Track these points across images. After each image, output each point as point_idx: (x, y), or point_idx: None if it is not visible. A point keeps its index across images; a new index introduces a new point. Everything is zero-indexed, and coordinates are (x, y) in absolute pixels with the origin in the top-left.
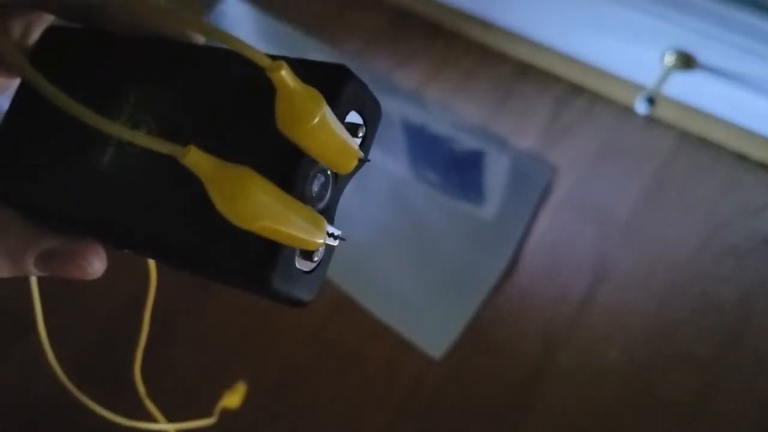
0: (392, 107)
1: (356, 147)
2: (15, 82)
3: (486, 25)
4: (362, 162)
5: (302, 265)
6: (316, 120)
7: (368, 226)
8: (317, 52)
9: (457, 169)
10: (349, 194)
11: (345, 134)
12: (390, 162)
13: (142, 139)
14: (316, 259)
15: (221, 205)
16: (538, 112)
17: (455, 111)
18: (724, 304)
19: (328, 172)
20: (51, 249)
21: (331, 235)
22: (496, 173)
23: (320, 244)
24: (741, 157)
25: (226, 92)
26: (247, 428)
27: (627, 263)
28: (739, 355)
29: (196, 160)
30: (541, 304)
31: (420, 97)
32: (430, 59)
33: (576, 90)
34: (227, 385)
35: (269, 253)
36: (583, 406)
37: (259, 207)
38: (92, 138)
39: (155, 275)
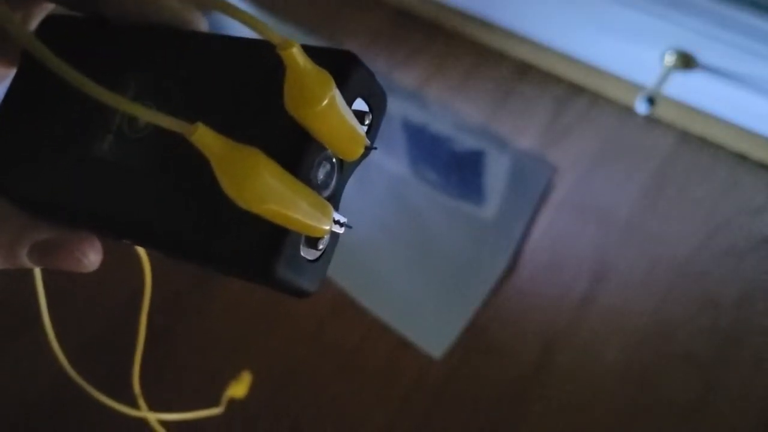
0: (392, 107)
1: (363, 133)
2: (9, 73)
3: (486, 25)
4: (368, 150)
5: (307, 253)
6: (326, 101)
7: (368, 226)
8: None
9: (457, 168)
10: (349, 194)
11: (353, 119)
12: (390, 162)
13: (149, 114)
14: (321, 247)
15: (228, 186)
16: (538, 112)
17: (455, 111)
18: (724, 304)
19: (334, 160)
20: (45, 241)
21: (337, 222)
22: (496, 173)
23: (326, 231)
24: (741, 157)
25: (230, 77)
26: (251, 420)
27: (627, 263)
28: (739, 355)
29: (205, 137)
30: (541, 304)
31: (420, 97)
32: (430, 59)
33: (576, 90)
34: (230, 378)
35: (274, 240)
36: (583, 406)
37: (267, 189)
38: (91, 126)
39: (150, 279)
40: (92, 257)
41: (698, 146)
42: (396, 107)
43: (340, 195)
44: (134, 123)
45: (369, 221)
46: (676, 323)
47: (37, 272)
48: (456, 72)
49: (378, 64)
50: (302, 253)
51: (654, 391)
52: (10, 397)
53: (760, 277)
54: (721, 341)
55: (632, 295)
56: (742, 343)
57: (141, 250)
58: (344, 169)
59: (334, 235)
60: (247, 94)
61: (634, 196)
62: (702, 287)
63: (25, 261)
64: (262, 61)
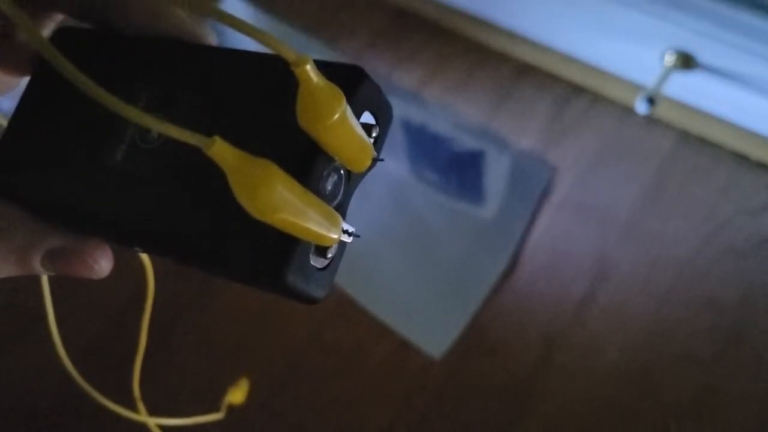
0: (392, 107)
1: (371, 145)
2: (19, 83)
3: (486, 25)
4: (375, 161)
5: (316, 261)
6: (337, 116)
7: (368, 227)
8: (317, 52)
9: (457, 169)
10: None
11: (362, 132)
12: (390, 162)
13: (167, 128)
14: (329, 255)
15: (242, 196)
16: (538, 112)
17: (455, 111)
18: (724, 304)
19: (341, 171)
20: (58, 248)
21: (345, 231)
22: (496, 173)
23: (335, 240)
24: (741, 157)
25: (239, 89)
26: (251, 424)
27: (627, 263)
28: (739, 355)
29: (221, 150)
30: (541, 304)
31: (420, 97)
32: (430, 59)
33: (576, 90)
34: (230, 382)
35: (284, 248)
36: (583, 406)
37: (279, 200)
38: (104, 136)
39: (152, 285)
40: (104, 264)
41: (698, 146)
42: (396, 108)
43: (348, 205)
44: (146, 134)
45: (369, 222)
46: (677, 323)
47: (44, 276)
48: (456, 72)
49: (378, 64)
50: (312, 262)
51: (654, 391)
52: (13, 398)
53: (760, 277)
54: (721, 341)
55: (632, 295)
56: (743, 343)
57: (144, 257)
58: (351, 179)
59: (342, 244)
60: (257, 106)
61: (634, 196)
62: (702, 287)
63: (38, 268)
64: (271, 74)
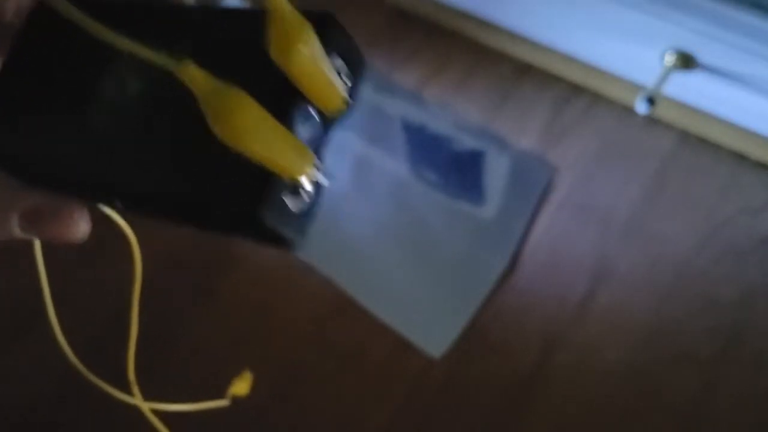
0: (392, 107)
1: (341, 86)
2: None
3: (486, 25)
4: (348, 107)
5: (291, 202)
6: (305, 43)
7: (367, 226)
8: None
9: (457, 169)
10: (348, 193)
11: (331, 71)
12: (389, 162)
13: (143, 50)
14: (304, 197)
15: (214, 121)
16: (538, 112)
17: (455, 111)
18: (724, 304)
19: (316, 117)
20: (35, 208)
21: (318, 171)
22: (496, 173)
23: (307, 173)
24: (741, 157)
25: (217, 41)
26: (251, 423)
27: (627, 263)
28: (739, 355)
29: (192, 74)
30: (541, 304)
31: (420, 97)
32: (430, 59)
33: (576, 90)
34: (231, 375)
35: (259, 185)
36: (583, 406)
37: (250, 127)
38: (83, 94)
39: (140, 268)
40: (82, 225)
41: (698, 146)
42: (396, 107)
43: (322, 152)
44: (125, 90)
45: (368, 221)
46: (677, 323)
47: (41, 264)
48: (456, 72)
49: (378, 64)
50: (286, 201)
51: (654, 391)
52: (16, 393)
53: (760, 277)
54: (721, 341)
55: (632, 295)
56: (742, 343)
57: (134, 244)
58: (326, 125)
59: (318, 188)
60: (233, 54)
61: (634, 196)
62: (702, 287)
63: (16, 231)
64: (246, 25)
